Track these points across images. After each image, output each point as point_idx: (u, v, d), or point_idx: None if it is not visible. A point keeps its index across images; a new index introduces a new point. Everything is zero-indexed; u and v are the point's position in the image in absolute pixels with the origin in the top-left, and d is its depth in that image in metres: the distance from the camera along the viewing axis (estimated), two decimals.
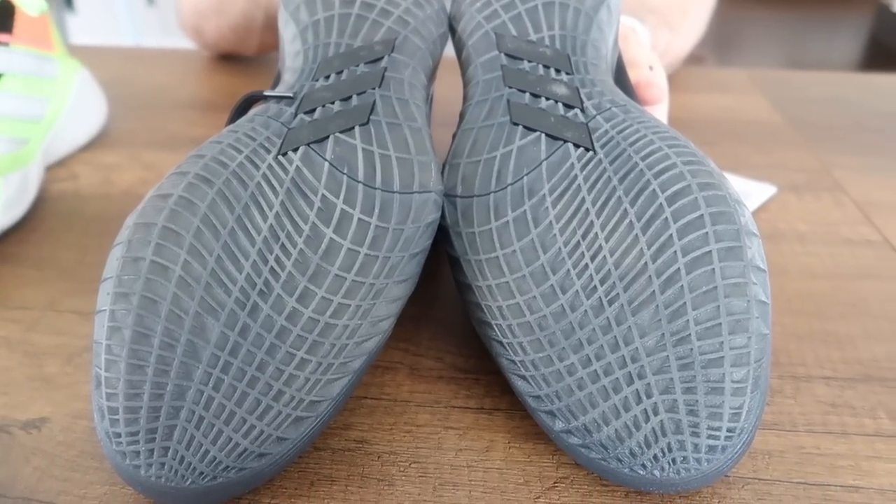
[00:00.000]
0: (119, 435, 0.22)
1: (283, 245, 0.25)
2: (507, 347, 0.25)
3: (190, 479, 0.22)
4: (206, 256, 0.24)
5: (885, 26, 2.69)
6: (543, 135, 0.28)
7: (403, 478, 0.25)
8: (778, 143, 0.52)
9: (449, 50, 0.71)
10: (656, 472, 0.23)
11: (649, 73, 0.39)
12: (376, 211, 0.26)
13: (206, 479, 0.22)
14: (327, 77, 0.30)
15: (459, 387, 0.29)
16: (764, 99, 0.60)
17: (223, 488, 0.22)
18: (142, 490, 0.22)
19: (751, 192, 0.42)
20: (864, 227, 0.41)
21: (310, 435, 0.24)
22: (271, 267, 0.24)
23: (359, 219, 0.26)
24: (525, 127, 0.28)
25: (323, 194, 0.26)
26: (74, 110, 0.47)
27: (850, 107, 0.58)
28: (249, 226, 0.25)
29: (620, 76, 0.37)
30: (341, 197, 0.26)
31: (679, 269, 0.24)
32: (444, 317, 0.33)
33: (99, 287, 0.24)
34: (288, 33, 0.33)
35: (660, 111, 0.40)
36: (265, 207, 0.25)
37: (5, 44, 0.40)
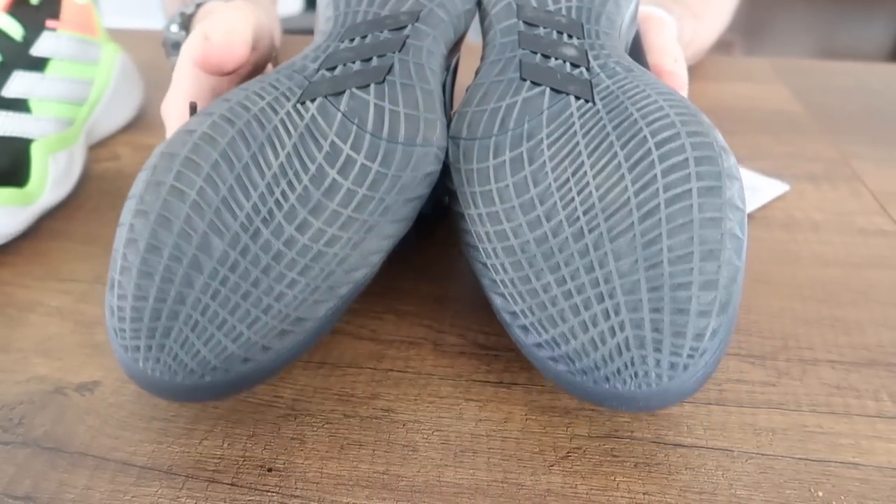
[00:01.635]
0: (124, 331, 0.24)
1: (289, 181, 0.27)
2: (490, 268, 0.27)
3: (181, 376, 0.24)
4: (219, 185, 0.26)
5: None
6: (548, 88, 0.30)
7: (427, 444, 0.27)
8: (798, 132, 0.52)
9: (476, 35, 0.72)
10: (618, 386, 0.24)
11: (674, 63, 0.40)
12: (379, 158, 0.28)
13: (195, 377, 0.24)
14: (352, 40, 0.32)
15: (480, 362, 0.31)
16: (786, 88, 0.60)
17: (210, 387, 0.24)
18: (140, 382, 0.24)
19: (761, 187, 0.43)
20: (878, 217, 0.42)
21: (293, 349, 0.26)
22: (276, 199, 0.27)
23: (361, 164, 0.28)
24: (532, 82, 0.31)
25: (332, 140, 0.28)
26: (115, 93, 0.49)
27: (871, 97, 0.59)
28: (262, 162, 0.27)
29: (636, 53, 0.38)
30: (349, 144, 0.28)
31: (659, 203, 0.26)
32: (466, 296, 0.35)
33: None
34: None
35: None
36: (278, 148, 0.28)
37: (53, 29, 0.42)
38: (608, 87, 0.30)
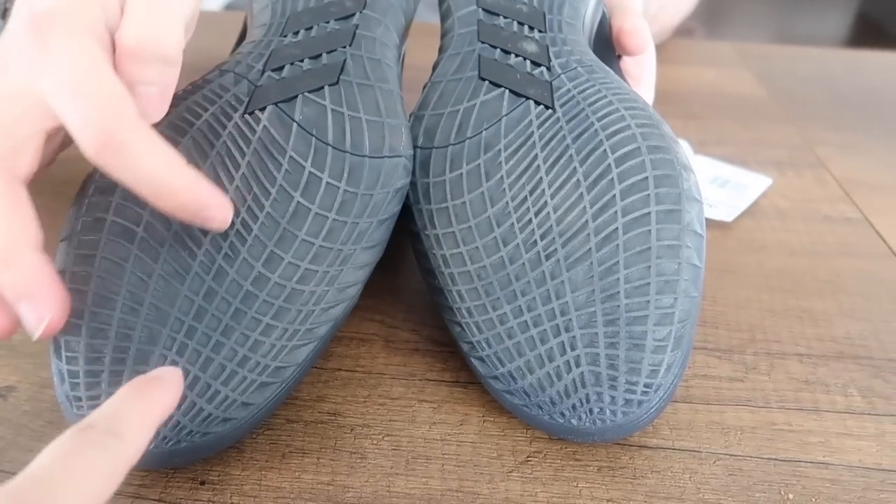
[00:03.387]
0: (80, 399, 0.22)
1: (249, 208, 0.25)
2: (447, 295, 0.26)
3: (153, 444, 0.22)
4: (169, 218, 0.23)
5: (873, 3, 2.68)
6: (507, 91, 0.28)
7: (376, 451, 0.25)
8: (762, 118, 0.51)
9: (422, 11, 0.69)
10: (574, 421, 0.24)
11: (636, 20, 0.38)
12: (345, 175, 0.25)
13: (169, 444, 0.22)
14: (296, 33, 0.29)
15: (435, 359, 0.29)
16: (749, 73, 0.59)
17: (188, 451, 0.23)
18: None
19: (747, 185, 0.41)
20: (844, 205, 0.41)
21: (274, 400, 0.24)
22: (237, 230, 0.24)
23: (327, 183, 0.25)
24: (491, 82, 0.29)
25: (291, 156, 0.25)
26: None
27: (835, 83, 0.58)
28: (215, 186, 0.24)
29: (602, 36, 0.36)
30: (309, 160, 0.25)
31: (617, 228, 0.25)
32: (421, 289, 0.33)
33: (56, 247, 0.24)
34: None
35: (647, 66, 0.39)
36: (231, 168, 0.25)
37: None
38: (569, 90, 0.28)
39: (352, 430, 0.26)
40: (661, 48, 0.62)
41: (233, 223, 0.24)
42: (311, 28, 0.29)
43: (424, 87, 0.30)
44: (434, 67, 0.31)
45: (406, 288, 0.33)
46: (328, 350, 0.29)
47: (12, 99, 0.22)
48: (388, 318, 0.31)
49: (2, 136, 0.21)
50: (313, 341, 0.24)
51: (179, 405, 0.22)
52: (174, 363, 0.22)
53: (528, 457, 0.25)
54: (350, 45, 0.28)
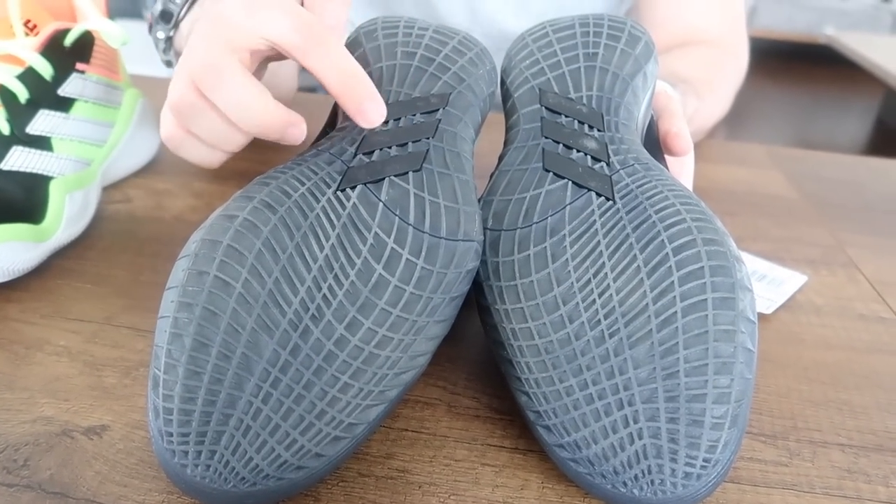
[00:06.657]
0: (171, 434, 0.24)
1: (336, 275, 0.27)
2: (516, 366, 0.28)
3: (232, 483, 0.24)
4: (265, 277, 0.26)
5: (892, 109, 2.76)
6: (570, 182, 0.31)
7: None
8: (795, 217, 0.54)
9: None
10: (635, 491, 0.25)
11: (681, 123, 0.41)
12: (423, 254, 0.28)
13: (246, 485, 0.24)
14: (386, 122, 0.32)
15: (495, 426, 0.31)
16: (781, 174, 0.62)
17: (261, 494, 0.24)
18: (184, 488, 0.24)
19: (783, 280, 0.44)
20: (876, 305, 0.43)
21: (344, 454, 0.26)
22: (324, 294, 0.26)
23: (406, 259, 0.28)
24: (555, 174, 0.31)
25: (376, 232, 0.28)
26: (133, 137, 0.49)
27: (862, 188, 0.61)
28: (307, 253, 0.27)
29: (651, 136, 0.39)
30: (392, 237, 0.28)
31: (676, 312, 0.27)
32: (480, 359, 0.35)
33: (163, 294, 0.26)
34: None
35: (687, 165, 0.43)
36: (322, 238, 0.27)
37: (82, 71, 0.43)
38: (627, 185, 0.31)
39: (419, 487, 0.27)
40: (695, 147, 0.65)
41: (320, 287, 0.27)
42: (399, 119, 0.32)
43: (492, 175, 0.33)
44: (501, 157, 0.34)
45: (467, 357, 0.35)
46: (395, 411, 0.31)
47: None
48: (450, 384, 0.33)
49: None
50: (384, 403, 0.26)
51: (259, 450, 0.24)
52: (258, 410, 0.24)
53: None
54: (433, 137, 0.31)
